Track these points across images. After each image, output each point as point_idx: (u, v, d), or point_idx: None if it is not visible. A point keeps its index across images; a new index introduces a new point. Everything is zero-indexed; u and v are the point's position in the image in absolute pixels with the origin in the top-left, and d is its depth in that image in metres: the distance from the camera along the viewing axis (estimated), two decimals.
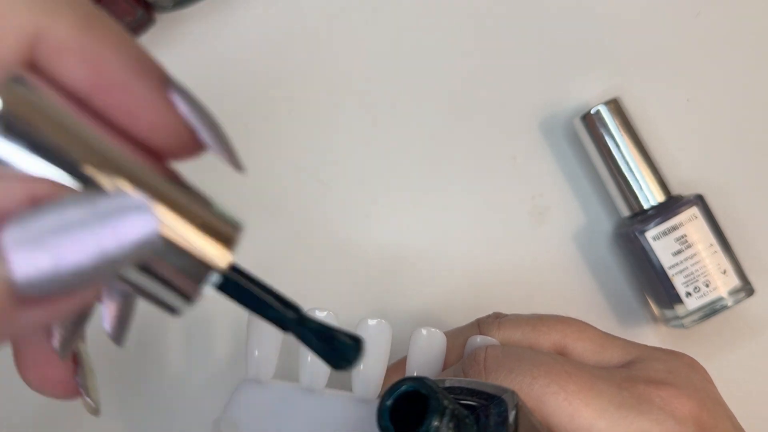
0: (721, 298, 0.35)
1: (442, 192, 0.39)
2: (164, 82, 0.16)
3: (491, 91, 0.39)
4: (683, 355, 0.27)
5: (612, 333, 0.34)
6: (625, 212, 0.37)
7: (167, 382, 0.38)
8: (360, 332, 0.27)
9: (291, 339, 0.21)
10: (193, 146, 0.17)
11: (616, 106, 0.36)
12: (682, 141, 0.39)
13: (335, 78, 0.39)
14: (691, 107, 0.39)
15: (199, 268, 0.15)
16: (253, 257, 0.39)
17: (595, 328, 0.28)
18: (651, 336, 0.38)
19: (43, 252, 0.12)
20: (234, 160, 0.18)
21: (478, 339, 0.28)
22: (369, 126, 0.39)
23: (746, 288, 0.35)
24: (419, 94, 0.39)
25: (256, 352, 0.27)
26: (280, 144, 0.39)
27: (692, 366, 0.26)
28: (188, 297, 0.15)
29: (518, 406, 0.19)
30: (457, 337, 0.29)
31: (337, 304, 0.38)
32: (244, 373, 0.28)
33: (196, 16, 0.39)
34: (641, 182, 0.36)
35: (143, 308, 0.38)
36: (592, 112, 0.36)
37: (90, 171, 0.14)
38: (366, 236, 0.38)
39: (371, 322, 0.27)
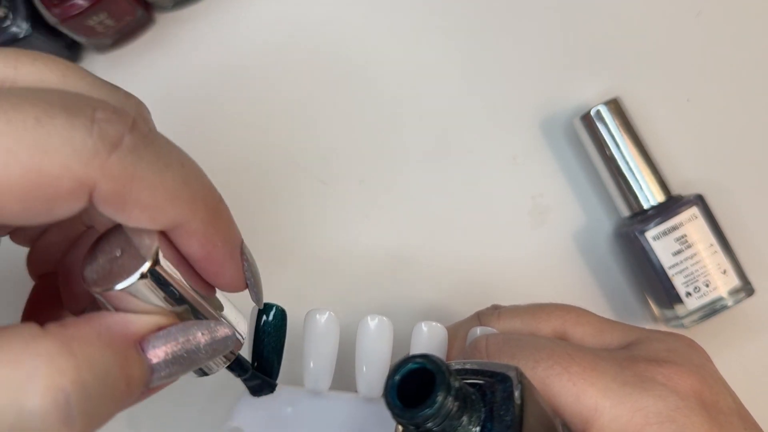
0: (721, 298, 0.35)
1: (442, 192, 0.39)
2: (241, 250, 0.23)
3: (491, 91, 0.39)
4: (682, 336, 0.27)
5: None
6: (625, 212, 0.37)
7: (172, 391, 0.37)
8: (361, 331, 0.27)
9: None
10: (241, 289, 0.23)
11: (616, 106, 0.36)
12: (682, 141, 0.39)
13: (335, 77, 0.39)
14: (691, 107, 0.39)
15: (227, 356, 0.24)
16: (254, 257, 0.39)
17: (593, 314, 0.29)
18: None
19: (174, 353, 0.20)
20: (259, 302, 0.24)
21: (479, 330, 0.28)
22: (369, 126, 0.39)
23: (746, 288, 0.35)
24: (419, 93, 0.39)
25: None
26: (280, 144, 0.39)
27: (691, 345, 0.27)
28: (212, 370, 0.24)
29: (523, 382, 0.19)
30: (458, 330, 0.30)
31: (338, 304, 0.38)
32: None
33: (195, 16, 0.39)
34: (641, 182, 0.36)
35: None
36: (592, 112, 0.36)
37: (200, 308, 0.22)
38: (366, 236, 0.38)
39: (372, 321, 0.27)
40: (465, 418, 0.17)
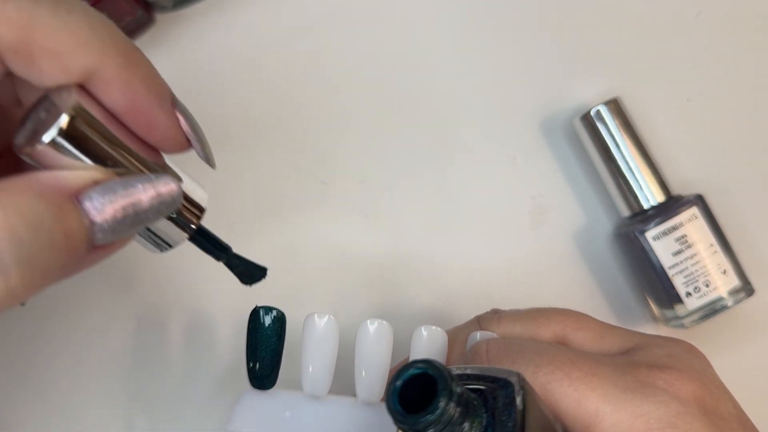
0: (721, 298, 0.35)
1: (442, 191, 0.39)
2: (173, 102, 0.23)
3: (491, 91, 0.39)
4: (682, 341, 0.27)
5: None
6: (625, 212, 0.37)
7: (170, 395, 0.37)
8: (361, 335, 0.27)
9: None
10: (184, 146, 0.23)
11: (616, 106, 0.36)
12: (682, 141, 0.39)
13: (335, 77, 0.39)
14: (691, 107, 0.39)
15: (185, 223, 0.24)
16: (253, 257, 0.39)
17: (594, 318, 0.29)
18: None
19: (114, 207, 0.19)
20: (209, 160, 0.24)
21: (479, 334, 0.28)
22: (369, 126, 0.39)
23: (746, 288, 0.35)
24: (419, 94, 0.39)
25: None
26: (280, 144, 0.39)
27: (692, 351, 0.27)
28: (174, 241, 0.24)
29: (525, 388, 0.19)
30: (458, 335, 0.30)
31: (337, 304, 0.38)
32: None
33: (195, 16, 0.39)
34: (641, 182, 0.36)
35: (147, 319, 0.38)
36: (592, 112, 0.36)
37: (129, 163, 0.22)
38: (366, 236, 0.38)
39: (371, 325, 0.27)
40: (467, 424, 0.17)
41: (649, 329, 0.38)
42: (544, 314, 0.29)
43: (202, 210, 0.25)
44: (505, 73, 0.39)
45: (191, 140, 0.23)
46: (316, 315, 0.27)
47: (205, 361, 0.38)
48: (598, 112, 0.36)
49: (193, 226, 0.25)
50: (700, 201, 0.35)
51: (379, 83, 0.39)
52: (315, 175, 0.39)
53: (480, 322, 0.30)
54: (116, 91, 0.20)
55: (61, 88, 0.20)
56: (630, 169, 0.36)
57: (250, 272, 0.27)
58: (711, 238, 0.35)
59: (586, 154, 0.38)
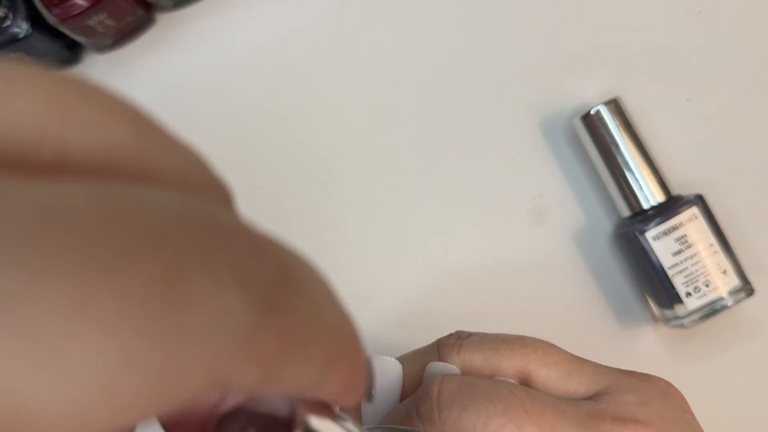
0: (721, 298, 0.35)
1: (442, 191, 0.39)
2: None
3: (491, 91, 0.39)
4: (659, 380, 0.26)
5: (612, 335, 0.34)
6: (625, 212, 0.37)
7: None
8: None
9: None
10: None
11: (616, 106, 0.36)
12: (682, 141, 0.39)
13: (335, 78, 0.39)
14: (691, 107, 0.39)
15: None
16: None
17: (563, 352, 0.27)
18: (651, 336, 0.38)
19: None
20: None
21: (437, 367, 0.27)
22: (369, 126, 0.39)
23: (746, 288, 0.35)
24: (419, 93, 0.39)
25: None
26: (280, 144, 0.39)
27: (667, 394, 0.25)
28: None
29: None
30: (415, 362, 0.28)
31: None
32: None
33: (196, 16, 0.39)
34: (641, 182, 0.36)
35: None
36: (592, 112, 0.36)
37: None
38: (365, 236, 0.38)
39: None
40: None
41: (649, 329, 0.38)
42: (509, 346, 0.26)
43: None
44: (504, 73, 0.39)
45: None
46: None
47: None
48: (598, 112, 0.36)
49: None
50: (700, 201, 0.35)
51: (379, 83, 0.39)
52: (315, 175, 0.39)
53: (440, 348, 0.28)
54: (330, 396, 0.15)
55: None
56: (630, 169, 0.36)
57: None
58: (711, 238, 0.35)
59: (586, 154, 0.38)
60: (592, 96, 0.38)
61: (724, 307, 0.35)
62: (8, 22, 0.34)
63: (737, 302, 0.35)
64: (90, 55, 0.40)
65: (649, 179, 0.36)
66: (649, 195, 0.36)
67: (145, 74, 0.39)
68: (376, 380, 0.27)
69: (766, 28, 0.39)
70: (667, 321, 0.37)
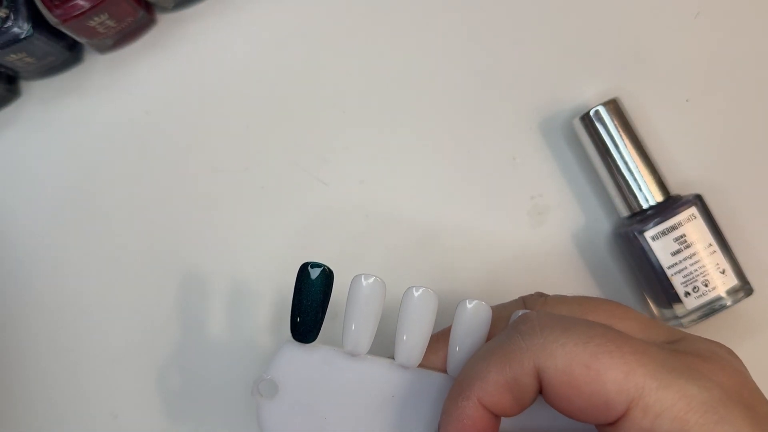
0: (720, 298, 0.35)
1: (442, 192, 0.39)
2: None
3: (491, 92, 0.39)
4: (722, 344, 0.28)
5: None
6: (624, 212, 0.37)
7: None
8: (406, 300, 0.28)
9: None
10: None
11: (615, 106, 0.36)
12: (682, 141, 0.39)
13: (335, 78, 0.39)
14: (691, 107, 0.39)
15: None
16: (252, 256, 0.39)
17: (639, 312, 0.29)
18: None
19: None
20: None
21: (521, 313, 0.28)
22: (369, 126, 0.39)
23: (745, 288, 0.35)
24: (419, 94, 0.39)
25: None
26: (280, 143, 0.39)
27: (731, 353, 0.27)
28: None
29: None
30: (501, 312, 0.30)
31: (337, 305, 0.38)
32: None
33: (197, 16, 0.40)
34: (640, 182, 0.36)
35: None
36: (591, 112, 0.36)
37: None
38: (365, 236, 0.39)
39: (416, 291, 0.28)
40: None
41: None
42: (592, 302, 0.29)
43: None
44: (504, 74, 0.39)
45: None
46: (363, 275, 0.28)
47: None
48: (597, 113, 0.36)
49: None
50: (698, 201, 0.35)
51: (379, 83, 0.39)
52: (315, 175, 0.39)
53: (525, 301, 0.31)
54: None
55: None
56: (629, 169, 0.36)
57: None
58: (710, 238, 0.35)
59: (586, 155, 0.38)
60: (591, 96, 0.38)
61: (723, 307, 0.35)
62: (9, 23, 0.34)
63: (736, 302, 0.35)
64: (91, 55, 0.40)
65: (648, 179, 0.36)
66: (648, 195, 0.36)
67: (146, 75, 0.40)
68: (466, 322, 0.28)
69: (766, 28, 0.39)
70: (666, 321, 0.37)
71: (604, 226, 0.39)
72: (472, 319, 0.28)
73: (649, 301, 0.38)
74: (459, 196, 0.39)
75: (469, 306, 0.28)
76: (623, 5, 0.39)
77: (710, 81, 0.39)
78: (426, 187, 0.39)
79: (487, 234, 0.39)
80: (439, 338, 0.29)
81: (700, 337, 0.28)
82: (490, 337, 0.28)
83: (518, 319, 0.26)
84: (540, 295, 0.31)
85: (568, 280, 0.38)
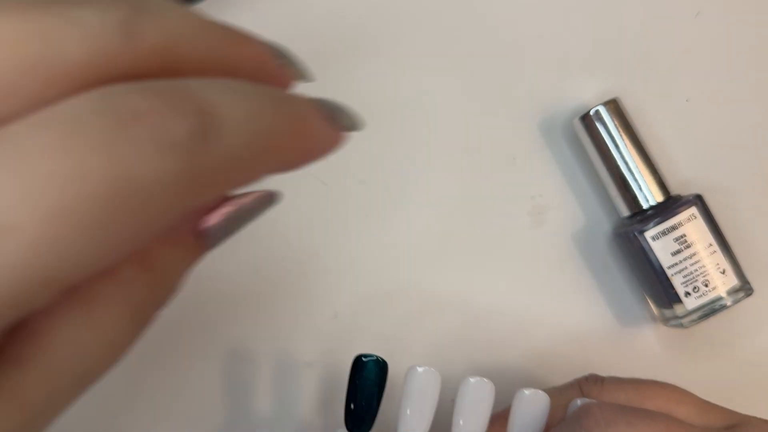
0: (720, 298, 0.35)
1: (442, 192, 0.39)
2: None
3: (491, 92, 0.39)
4: None
5: (611, 334, 0.34)
6: (625, 212, 0.37)
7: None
8: (463, 387, 0.28)
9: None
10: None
11: (615, 106, 0.36)
12: (682, 141, 0.39)
13: (334, 77, 0.39)
14: (691, 107, 0.39)
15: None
16: (252, 256, 0.39)
17: (694, 395, 0.29)
18: (650, 336, 0.38)
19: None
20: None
21: (579, 401, 0.28)
22: (369, 126, 0.39)
23: (745, 288, 0.35)
24: (419, 94, 0.39)
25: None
26: None
27: None
28: None
29: None
30: (557, 398, 0.29)
31: (336, 305, 0.38)
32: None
33: None
34: (640, 182, 0.36)
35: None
36: (591, 112, 0.36)
37: None
38: (365, 236, 0.38)
39: (472, 379, 0.28)
40: None
41: (648, 329, 0.38)
42: (649, 388, 0.29)
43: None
44: (504, 74, 0.39)
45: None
46: (418, 366, 0.28)
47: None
48: (597, 113, 0.36)
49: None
50: (699, 201, 0.35)
51: (379, 83, 0.39)
52: (315, 175, 0.39)
53: (581, 387, 0.30)
54: None
55: None
56: (629, 169, 0.36)
57: None
58: (710, 238, 0.35)
59: (586, 155, 0.38)
60: (592, 96, 0.38)
61: (723, 307, 0.35)
62: None
63: (736, 302, 0.35)
64: None
65: (648, 179, 0.36)
66: (648, 195, 0.36)
67: None
68: (525, 411, 0.28)
69: (766, 28, 0.39)
70: (666, 321, 0.37)
71: (604, 226, 0.39)
72: (531, 408, 0.28)
73: (649, 301, 0.38)
74: (459, 196, 0.39)
75: (527, 394, 0.28)
76: (623, 5, 0.39)
77: (710, 81, 0.39)
78: (426, 187, 0.39)
79: (487, 234, 0.39)
80: (495, 422, 0.29)
81: (760, 419, 0.28)
82: (547, 426, 0.28)
83: (579, 411, 0.26)
84: (596, 380, 0.31)
85: (568, 280, 0.38)
